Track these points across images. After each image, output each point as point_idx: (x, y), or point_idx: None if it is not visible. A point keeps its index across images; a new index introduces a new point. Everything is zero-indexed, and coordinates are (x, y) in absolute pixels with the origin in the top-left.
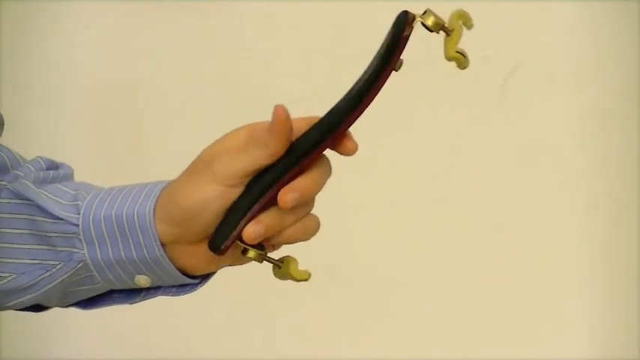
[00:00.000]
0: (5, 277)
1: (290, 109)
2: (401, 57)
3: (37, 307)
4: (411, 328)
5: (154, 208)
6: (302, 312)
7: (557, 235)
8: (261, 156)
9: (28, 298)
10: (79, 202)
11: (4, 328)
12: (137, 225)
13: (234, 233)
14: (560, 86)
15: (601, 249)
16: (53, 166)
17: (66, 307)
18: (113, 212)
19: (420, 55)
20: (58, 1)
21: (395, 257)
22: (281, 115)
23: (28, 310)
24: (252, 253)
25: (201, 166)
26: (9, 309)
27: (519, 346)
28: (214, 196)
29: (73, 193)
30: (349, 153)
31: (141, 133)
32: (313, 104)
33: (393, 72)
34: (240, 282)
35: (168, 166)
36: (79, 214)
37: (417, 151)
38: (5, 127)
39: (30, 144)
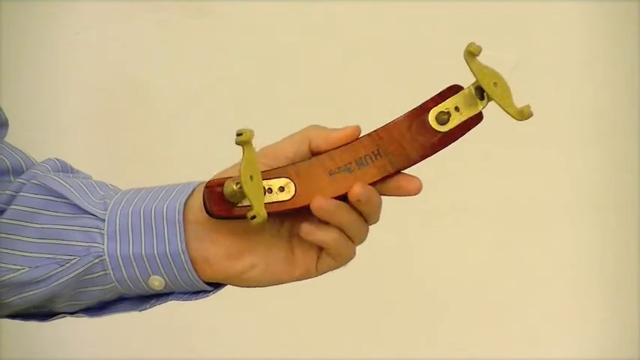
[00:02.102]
0: (18, 270)
1: (291, 108)
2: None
3: (43, 316)
4: (411, 327)
5: (185, 203)
6: (303, 312)
7: (556, 234)
8: (304, 145)
9: (37, 292)
10: (107, 200)
11: (4, 328)
12: (165, 218)
13: (231, 177)
14: (560, 86)
15: (601, 249)
16: (67, 168)
17: (74, 313)
18: (142, 207)
19: (420, 55)
20: (58, 1)
21: (395, 257)
22: (350, 132)
23: (33, 320)
24: (230, 186)
25: None
26: (16, 307)
27: (519, 346)
28: None
29: (102, 193)
30: (409, 191)
31: (141, 133)
32: (314, 104)
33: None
34: None
35: (170, 165)
36: (106, 210)
37: None
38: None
39: (31, 144)
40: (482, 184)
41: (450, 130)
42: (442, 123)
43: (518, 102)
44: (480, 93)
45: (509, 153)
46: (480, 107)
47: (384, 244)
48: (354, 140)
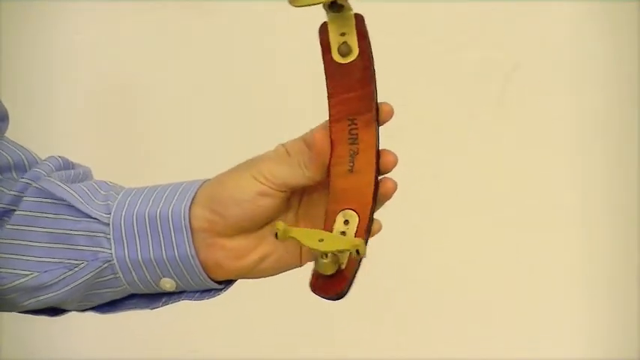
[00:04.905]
0: (27, 275)
1: (291, 108)
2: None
3: (54, 312)
4: (411, 327)
5: (190, 206)
6: (303, 311)
7: (556, 234)
8: (299, 175)
9: (47, 297)
10: (109, 202)
11: (4, 328)
12: (171, 223)
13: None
14: (560, 86)
15: (601, 249)
16: (69, 165)
17: (83, 311)
18: (147, 211)
19: (420, 55)
20: (57, 1)
21: (395, 258)
22: (319, 143)
23: (43, 315)
24: (318, 262)
25: (248, 163)
26: (26, 309)
27: (519, 346)
28: (252, 189)
29: (104, 193)
30: (387, 167)
31: (141, 133)
32: (314, 103)
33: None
34: (243, 282)
35: (171, 165)
36: (109, 213)
37: (417, 151)
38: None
39: (30, 144)
40: (481, 186)
41: (359, 51)
42: (347, 53)
43: (517, 101)
44: (335, 6)
45: (508, 154)
46: (349, 12)
47: (388, 244)
48: (330, 139)
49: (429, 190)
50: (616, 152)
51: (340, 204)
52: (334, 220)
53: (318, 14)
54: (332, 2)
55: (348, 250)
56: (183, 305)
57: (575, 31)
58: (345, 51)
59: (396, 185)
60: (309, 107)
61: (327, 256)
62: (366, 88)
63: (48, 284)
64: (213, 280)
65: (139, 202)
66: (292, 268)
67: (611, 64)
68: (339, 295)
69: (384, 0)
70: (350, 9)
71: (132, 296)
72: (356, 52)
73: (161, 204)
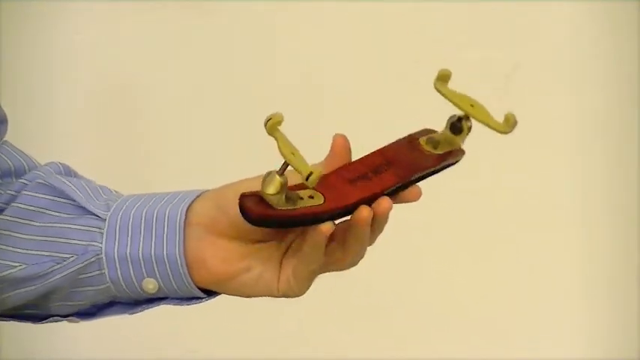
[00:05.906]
0: (16, 267)
1: (291, 107)
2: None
3: (38, 318)
4: (410, 327)
5: (187, 209)
6: (302, 312)
7: (556, 234)
8: None
9: (32, 289)
10: (109, 202)
11: (4, 328)
12: (166, 221)
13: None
14: (560, 86)
15: (601, 249)
16: (70, 172)
17: (66, 316)
18: (145, 210)
19: (420, 55)
20: (57, 1)
21: (395, 258)
22: (338, 145)
23: (28, 321)
24: (271, 178)
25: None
26: (11, 304)
27: (519, 346)
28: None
29: (105, 196)
30: (411, 197)
31: (141, 133)
32: (314, 104)
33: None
34: None
35: (171, 165)
36: (108, 211)
37: None
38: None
39: (30, 145)
40: (481, 186)
41: (440, 154)
42: (434, 147)
43: (517, 101)
44: (456, 129)
45: (508, 153)
46: (460, 141)
47: (387, 244)
48: (361, 157)
49: (428, 190)
50: (616, 152)
51: (322, 187)
52: (303, 189)
53: (317, 15)
54: (459, 119)
55: (305, 172)
56: (182, 306)
57: (575, 31)
58: (432, 144)
59: (370, 217)
60: (309, 107)
61: (281, 176)
62: (418, 168)
63: (36, 276)
64: (195, 284)
65: (139, 203)
66: (268, 295)
67: (611, 64)
68: (255, 219)
69: (384, 0)
70: (464, 140)
71: (112, 304)
72: (441, 151)
73: (160, 205)
